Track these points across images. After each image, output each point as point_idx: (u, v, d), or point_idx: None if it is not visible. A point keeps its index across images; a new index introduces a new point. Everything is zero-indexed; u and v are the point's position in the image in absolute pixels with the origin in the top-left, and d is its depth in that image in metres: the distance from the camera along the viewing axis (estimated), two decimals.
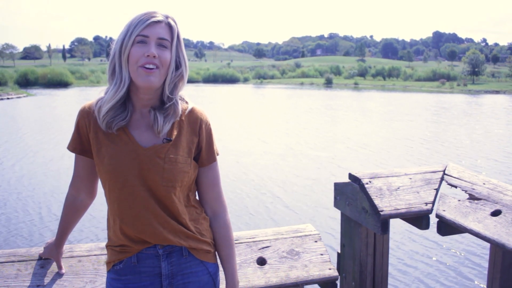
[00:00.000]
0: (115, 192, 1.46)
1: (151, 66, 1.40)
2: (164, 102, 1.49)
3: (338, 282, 2.16)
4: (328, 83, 74.51)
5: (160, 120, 1.45)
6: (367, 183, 2.02)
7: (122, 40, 1.41)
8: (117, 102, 1.44)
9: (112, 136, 1.46)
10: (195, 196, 1.60)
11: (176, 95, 1.49)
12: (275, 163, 13.65)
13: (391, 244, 6.72)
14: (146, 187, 1.44)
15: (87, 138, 1.50)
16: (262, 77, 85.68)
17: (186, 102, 1.55)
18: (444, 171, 2.19)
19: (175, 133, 1.49)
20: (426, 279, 6.25)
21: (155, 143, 1.46)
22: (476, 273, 6.39)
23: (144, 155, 1.44)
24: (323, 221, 8.41)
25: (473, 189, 1.99)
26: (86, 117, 1.49)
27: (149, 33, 1.41)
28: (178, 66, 1.48)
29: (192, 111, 1.54)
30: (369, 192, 1.99)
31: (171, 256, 1.50)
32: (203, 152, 1.54)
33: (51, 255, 1.69)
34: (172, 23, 1.45)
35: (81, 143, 1.52)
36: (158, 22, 1.42)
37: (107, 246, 1.56)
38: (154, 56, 1.40)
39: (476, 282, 6.12)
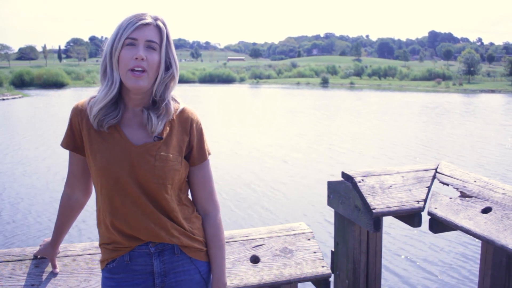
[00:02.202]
0: (106, 189, 1.48)
1: (139, 69, 1.42)
2: (155, 102, 1.51)
3: (332, 280, 2.18)
4: (324, 83, 74.62)
5: (154, 119, 1.47)
6: (359, 182, 2.04)
7: (112, 42, 1.44)
8: (108, 102, 1.46)
9: (104, 133, 1.48)
10: (187, 195, 1.62)
11: (168, 95, 1.52)
12: (269, 162, 13.67)
13: (384, 242, 6.75)
14: (137, 184, 1.47)
15: (80, 135, 1.52)
16: (258, 77, 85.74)
17: (177, 102, 1.57)
18: (436, 169, 2.21)
19: (166, 131, 1.51)
20: (419, 275, 6.29)
21: (146, 141, 1.49)
22: (468, 269, 6.44)
23: (136, 152, 1.47)
24: (318, 219, 8.44)
25: (465, 186, 2.01)
26: (79, 114, 1.51)
27: (138, 36, 1.43)
28: (168, 67, 1.50)
29: (183, 111, 1.56)
30: (361, 190, 2.00)
31: (163, 254, 1.52)
32: (194, 151, 1.57)
33: (46, 254, 1.70)
34: (161, 25, 1.47)
35: (74, 141, 1.53)
36: (147, 24, 1.45)
37: (100, 245, 1.58)
38: (142, 59, 1.42)
39: (468, 278, 6.16)
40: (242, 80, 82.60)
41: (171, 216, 1.52)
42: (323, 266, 1.87)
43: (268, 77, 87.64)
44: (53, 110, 29.99)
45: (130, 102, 1.50)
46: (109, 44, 1.45)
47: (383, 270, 2.51)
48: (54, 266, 1.70)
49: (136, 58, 1.41)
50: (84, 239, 7.49)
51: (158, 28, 1.47)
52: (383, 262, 2.31)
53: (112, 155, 1.46)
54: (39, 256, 1.72)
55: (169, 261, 1.53)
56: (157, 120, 1.48)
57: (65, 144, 1.55)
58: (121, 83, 1.47)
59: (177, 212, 1.53)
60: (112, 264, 1.52)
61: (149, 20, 1.45)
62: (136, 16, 1.45)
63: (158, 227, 1.50)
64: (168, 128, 1.52)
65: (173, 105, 1.53)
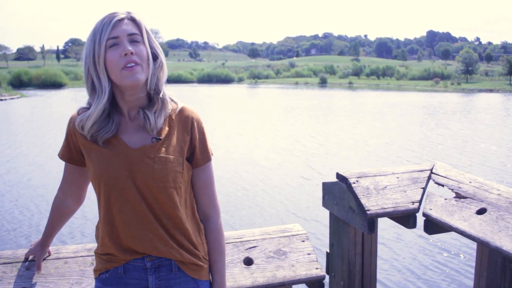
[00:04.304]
0: (105, 196, 1.42)
1: (132, 65, 1.36)
2: (150, 99, 1.46)
3: (327, 282, 2.16)
4: (323, 83, 74.73)
5: (151, 117, 1.41)
6: (354, 183, 2.03)
7: (93, 50, 1.37)
8: (101, 114, 1.40)
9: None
10: (192, 203, 1.53)
11: (161, 86, 1.46)
12: (264, 162, 13.63)
13: (380, 243, 6.75)
14: (137, 190, 1.40)
15: (76, 146, 1.49)
16: (256, 77, 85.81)
17: (175, 102, 1.51)
18: (431, 170, 2.20)
19: (165, 132, 1.45)
20: (414, 277, 6.28)
21: (144, 143, 1.43)
22: (464, 271, 6.44)
23: (133, 156, 1.40)
24: (314, 220, 8.42)
25: (460, 187, 1.99)
26: (73, 124, 1.48)
27: (118, 33, 1.37)
28: (155, 57, 1.45)
29: (182, 110, 1.50)
30: (356, 192, 1.99)
31: (160, 270, 1.45)
32: (197, 151, 1.49)
33: (35, 253, 1.68)
34: (135, 16, 1.42)
35: (69, 152, 1.51)
36: (122, 20, 1.39)
37: (95, 252, 1.54)
38: (132, 53, 1.36)
39: (463, 280, 6.15)
40: (240, 80, 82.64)
41: (174, 224, 1.45)
42: (317, 268, 1.86)
43: (267, 77, 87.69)
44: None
45: (125, 106, 1.44)
46: (89, 53, 1.37)
47: (378, 271, 2.50)
48: (38, 267, 1.66)
49: (126, 54, 1.35)
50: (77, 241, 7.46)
51: (133, 20, 1.41)
52: (379, 263, 2.30)
53: (110, 161, 1.40)
54: (30, 258, 1.70)
55: (166, 278, 1.45)
56: (154, 116, 1.42)
57: (61, 154, 1.54)
58: (111, 91, 1.41)
59: (180, 220, 1.45)
60: (105, 275, 1.47)
61: (122, 15, 1.40)
62: (108, 16, 1.39)
63: (157, 237, 1.42)
64: (167, 128, 1.45)
65: (171, 105, 1.48)
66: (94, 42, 1.37)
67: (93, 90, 1.41)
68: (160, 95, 1.45)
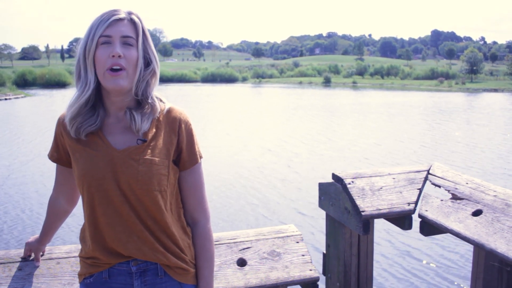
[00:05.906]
0: (88, 197, 1.40)
1: (117, 67, 1.34)
2: (139, 102, 1.43)
3: (324, 283, 2.15)
4: (327, 82, 74.72)
5: (137, 118, 1.39)
6: (349, 183, 2.01)
7: (85, 43, 1.36)
8: (82, 106, 1.38)
9: (87, 141, 1.42)
10: (178, 206, 1.50)
11: (151, 92, 1.43)
12: (262, 162, 13.57)
13: (376, 244, 6.71)
14: (121, 192, 1.37)
15: (63, 147, 1.48)
16: (260, 77, 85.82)
17: (163, 102, 1.48)
18: (428, 170, 2.18)
19: (151, 133, 1.42)
20: (411, 279, 6.23)
21: (129, 145, 1.40)
22: (460, 273, 6.39)
23: (118, 157, 1.38)
24: (312, 220, 8.38)
25: (456, 188, 1.98)
26: (60, 126, 1.47)
27: (112, 33, 1.35)
28: (148, 63, 1.42)
29: (170, 111, 1.46)
30: (351, 192, 1.97)
31: (145, 274, 1.42)
32: (184, 153, 1.45)
33: (31, 246, 1.69)
34: (136, 19, 1.39)
35: (57, 152, 1.50)
36: (120, 20, 1.37)
37: (79, 256, 1.52)
38: (120, 56, 1.34)
39: (460, 282, 6.12)
40: (244, 80, 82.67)
41: (160, 227, 1.42)
42: (311, 270, 1.84)
43: (271, 76, 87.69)
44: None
45: (112, 106, 1.42)
46: (82, 45, 1.37)
47: (374, 272, 2.48)
48: (36, 259, 1.68)
49: (113, 56, 1.33)
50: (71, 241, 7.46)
51: (133, 22, 1.39)
52: (375, 264, 2.28)
53: (94, 162, 1.38)
54: (24, 255, 1.71)
55: (151, 282, 1.42)
56: (141, 119, 1.39)
57: (50, 155, 1.53)
58: (100, 87, 1.40)
59: (166, 223, 1.42)
60: (89, 279, 1.45)
61: (122, 15, 1.37)
62: (108, 12, 1.37)
63: (142, 240, 1.40)
64: (154, 130, 1.42)
65: (159, 107, 1.45)
66: (88, 36, 1.36)
67: (78, 79, 1.41)
68: (149, 100, 1.42)
